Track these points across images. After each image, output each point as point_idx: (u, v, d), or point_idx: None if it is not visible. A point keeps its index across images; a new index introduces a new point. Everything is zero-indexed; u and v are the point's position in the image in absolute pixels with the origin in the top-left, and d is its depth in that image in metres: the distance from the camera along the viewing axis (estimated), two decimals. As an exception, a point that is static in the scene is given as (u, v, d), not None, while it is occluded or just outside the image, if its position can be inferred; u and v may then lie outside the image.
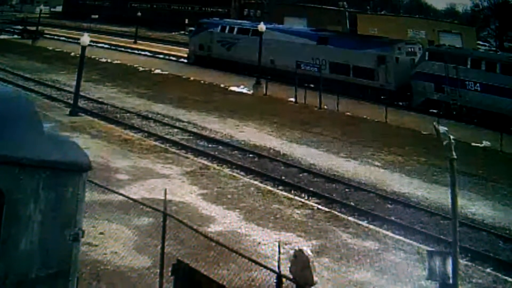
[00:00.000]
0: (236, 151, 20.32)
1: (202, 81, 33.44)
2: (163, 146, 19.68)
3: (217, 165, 18.11)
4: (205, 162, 18.11)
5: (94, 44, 39.97)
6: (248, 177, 17.25)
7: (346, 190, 16.99)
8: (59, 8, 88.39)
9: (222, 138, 22.02)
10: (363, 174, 18.41)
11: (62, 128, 20.09)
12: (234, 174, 17.15)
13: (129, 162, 16.99)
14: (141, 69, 36.96)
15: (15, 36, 52.36)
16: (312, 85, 29.18)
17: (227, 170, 17.56)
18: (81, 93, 25.28)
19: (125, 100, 28.22)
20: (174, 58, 42.75)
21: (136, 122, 23.78)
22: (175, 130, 22.86)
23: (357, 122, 25.11)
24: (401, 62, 30.18)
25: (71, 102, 24.05)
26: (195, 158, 18.53)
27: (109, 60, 39.62)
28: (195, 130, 23.02)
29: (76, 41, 52.28)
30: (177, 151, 19.18)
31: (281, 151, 20.55)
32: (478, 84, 26.77)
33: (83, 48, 23.00)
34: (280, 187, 16.66)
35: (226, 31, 37.80)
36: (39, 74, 34.41)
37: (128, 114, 25.09)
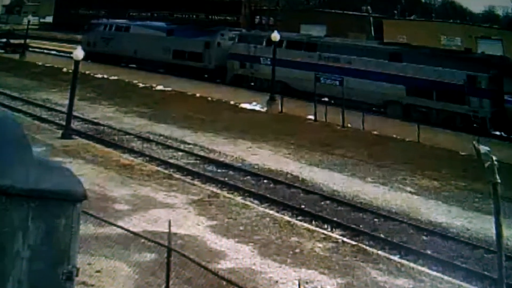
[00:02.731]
0: (248, 177, 20.34)
1: (209, 98, 33.61)
2: (166, 171, 19.75)
3: (228, 193, 18.11)
4: (214, 190, 18.12)
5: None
6: (262, 206, 17.23)
7: (375, 220, 16.93)
8: (49, 19, 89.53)
9: (233, 161, 22.05)
10: (393, 202, 18.33)
11: (54, 152, 20.20)
12: (247, 202, 17.12)
13: (129, 190, 17.03)
14: (141, 85, 37.25)
15: (0, 50, 53.10)
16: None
17: (238, 198, 17.56)
18: (75, 113, 25.46)
19: (123, 120, 28.41)
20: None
21: (136, 145, 23.93)
22: (180, 153, 22.96)
23: (386, 142, 25.08)
24: (223, 46, 39.37)
25: (64, 123, 24.24)
26: (203, 185, 18.55)
27: (105, 76, 39.96)
28: (202, 153, 23.10)
29: (68, 55, 52.94)
30: (182, 177, 19.24)
31: (300, 176, 20.53)
32: (268, 59, 34.11)
33: (77, 63, 23.24)
34: (300, 217, 16.63)
35: (107, 29, 48.31)
36: (28, 92, 34.78)
37: (127, 136, 25.26)
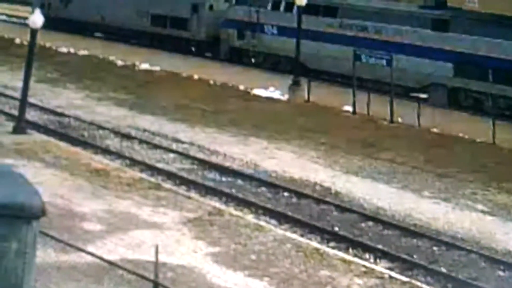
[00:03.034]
0: (263, 188, 20.29)
1: (211, 81, 33.68)
2: (153, 180, 19.74)
3: (235, 209, 18.06)
4: (217, 205, 18.07)
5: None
6: (282, 227, 17.16)
7: (434, 248, 16.82)
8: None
9: (242, 167, 22.02)
10: (459, 224, 18.22)
11: (3, 152, 20.31)
12: (261, 223, 17.08)
13: (102, 205, 17.04)
14: (120, 63, 37.36)
15: None
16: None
17: (250, 217, 17.52)
18: (31, 100, 25.51)
19: (96, 109, 28.48)
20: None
21: (112, 144, 23.89)
22: (171, 155, 22.94)
23: (449, 143, 24.97)
24: (216, 10, 39.34)
25: (16, 113, 24.28)
26: (202, 199, 18.51)
27: (72, 50, 40.08)
28: (201, 155, 23.07)
29: (23, 21, 53.11)
30: (174, 188, 19.21)
31: (333, 188, 20.47)
32: (275, 27, 35.63)
33: (34, 32, 23.31)
34: (332, 244, 16.57)
35: None
36: (-33, 72, 34.89)
37: (100, 132, 25.26)
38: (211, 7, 39.82)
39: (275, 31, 36.31)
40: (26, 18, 48.06)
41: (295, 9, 34.17)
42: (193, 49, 40.48)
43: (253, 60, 37.71)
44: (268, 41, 36.75)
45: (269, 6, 36.99)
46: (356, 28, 33.74)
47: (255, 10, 37.08)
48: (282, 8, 36.65)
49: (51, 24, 43.19)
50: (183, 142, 24.45)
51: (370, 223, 18.11)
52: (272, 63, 36.85)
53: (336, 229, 17.64)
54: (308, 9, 33.48)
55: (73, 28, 45.26)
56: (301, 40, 32.09)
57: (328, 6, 35.02)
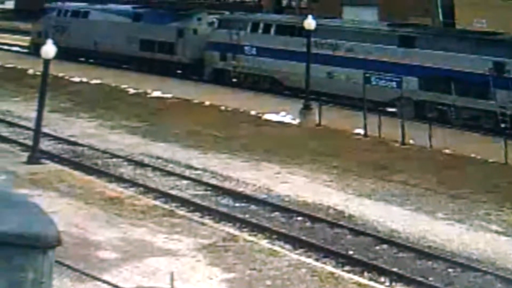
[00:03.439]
0: (277, 213, 20.30)
1: (222, 107, 33.74)
2: (167, 206, 19.78)
3: (249, 235, 18.08)
4: (231, 231, 18.10)
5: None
6: (296, 252, 17.15)
7: (449, 270, 16.76)
8: (9, 4, 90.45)
9: (256, 192, 22.04)
10: (474, 245, 18.15)
11: (17, 182, 20.34)
12: (276, 248, 17.07)
13: (117, 233, 17.08)
14: (131, 91, 37.48)
15: None
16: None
17: (264, 242, 17.50)
18: (45, 130, 25.66)
19: (109, 138, 28.59)
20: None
21: (126, 172, 23.99)
22: (185, 182, 22.99)
23: (461, 164, 24.90)
24: (200, 34, 41.18)
25: (30, 143, 24.41)
26: (216, 225, 18.55)
27: (84, 80, 40.27)
28: (214, 181, 23.11)
29: (25, 50, 53.46)
30: (188, 214, 19.25)
31: (346, 212, 20.45)
32: (254, 48, 37.55)
33: (46, 62, 23.44)
34: (347, 268, 16.54)
35: (61, 15, 49.98)
36: (-19, 103, 35.08)
37: (114, 160, 25.36)
38: (195, 31, 41.57)
39: (254, 52, 38.01)
40: (27, 47, 51.79)
41: (272, 31, 37.72)
42: (179, 71, 42.26)
43: (234, 80, 39.30)
44: (247, 62, 38.40)
45: (249, 28, 38.68)
46: (330, 47, 34.99)
47: (236, 32, 38.70)
48: (260, 30, 38.48)
49: None
50: (196, 169, 24.49)
51: (385, 246, 18.08)
52: (252, 82, 38.59)
53: (351, 252, 17.61)
54: (284, 30, 37.12)
55: (69, 55, 45.78)
56: (278, 60, 36.04)
57: (302, 26, 34.94)
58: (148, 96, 36.53)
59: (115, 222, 17.90)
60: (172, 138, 28.49)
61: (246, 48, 38.46)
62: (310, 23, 32.01)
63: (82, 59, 47.47)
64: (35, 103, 24.53)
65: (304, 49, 33.76)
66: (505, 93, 29.11)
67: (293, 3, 64.37)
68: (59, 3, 54.00)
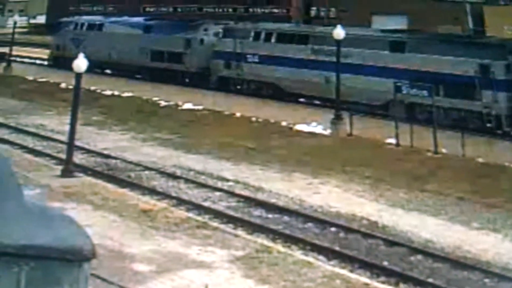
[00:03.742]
0: (310, 224, 20.22)
1: (253, 118, 33.76)
2: (200, 218, 19.79)
3: (283, 246, 17.99)
4: (265, 242, 18.04)
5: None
6: (330, 263, 17.07)
7: (485, 280, 16.61)
8: (41, 19, 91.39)
9: (288, 203, 21.98)
10: (510, 255, 17.91)
11: (52, 196, 20.46)
12: (310, 259, 17.00)
13: (151, 245, 17.10)
14: (163, 103, 37.64)
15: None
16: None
17: (298, 254, 17.44)
18: (78, 143, 25.81)
19: (141, 150, 28.72)
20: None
21: (159, 184, 24.05)
22: (217, 194, 22.99)
23: (496, 173, 24.66)
24: (206, 43, 42.92)
25: (64, 157, 24.57)
26: (249, 236, 18.51)
27: (116, 93, 40.52)
28: (246, 193, 23.09)
29: (45, 62, 54.02)
30: (222, 226, 19.23)
31: (380, 222, 20.33)
32: (256, 56, 39.37)
33: (78, 76, 23.60)
34: (381, 278, 16.44)
35: (78, 28, 52.61)
36: (16, 116, 35.45)
37: (147, 172, 25.44)
38: (202, 41, 43.41)
39: (256, 60, 39.68)
40: (47, 59, 54.40)
41: (273, 39, 39.70)
42: (187, 80, 43.85)
43: (238, 87, 40.94)
44: (250, 69, 40.03)
45: (251, 37, 40.47)
46: (326, 54, 36.06)
47: (239, 41, 40.39)
48: (262, 38, 40.30)
49: (67, 64, 47.08)
50: (228, 180, 24.49)
51: (419, 256, 17.91)
52: (254, 89, 40.13)
53: (385, 263, 17.49)
54: (284, 38, 39.21)
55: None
56: (279, 67, 38.06)
57: (300, 34, 39.04)
58: (180, 108, 36.67)
59: (149, 234, 17.93)
60: (204, 149, 28.54)
61: (248, 56, 40.09)
62: (339, 33, 31.89)
63: (98, 70, 48.27)
64: (68, 116, 24.70)
65: (303, 56, 37.09)
66: (490, 93, 30.34)
67: (322, 13, 64.39)
68: (76, 17, 56.92)
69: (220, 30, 42.87)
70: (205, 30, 44.08)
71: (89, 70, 46.13)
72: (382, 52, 34.69)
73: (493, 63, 30.69)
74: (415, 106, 32.15)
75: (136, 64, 46.36)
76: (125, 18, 53.19)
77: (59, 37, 53.12)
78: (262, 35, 40.28)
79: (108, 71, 49.08)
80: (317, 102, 37.20)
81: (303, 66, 36.90)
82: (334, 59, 34.28)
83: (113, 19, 52.91)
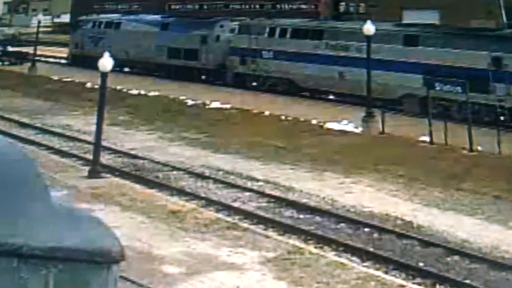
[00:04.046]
0: (342, 224, 20.17)
1: (282, 116, 33.71)
2: (229, 219, 19.78)
3: (315, 247, 17.95)
4: (296, 243, 17.99)
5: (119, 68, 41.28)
6: (364, 264, 17.00)
7: (526, 281, 16.46)
8: (65, 18, 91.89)
9: (320, 203, 21.93)
10: (550, 255, 17.76)
11: (79, 197, 20.57)
12: (343, 260, 16.92)
13: (181, 247, 17.10)
14: (190, 102, 37.71)
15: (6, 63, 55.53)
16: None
17: (331, 255, 17.38)
18: (104, 144, 25.94)
19: (169, 150, 28.81)
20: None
21: (187, 184, 24.11)
22: (247, 194, 23.00)
23: (533, 171, 24.43)
24: (223, 40, 44.01)
25: (90, 157, 24.70)
26: (280, 237, 18.46)
27: (142, 92, 40.67)
28: (277, 192, 23.06)
29: (63, 61, 54.52)
30: (252, 227, 19.21)
31: (414, 222, 20.20)
32: (271, 52, 40.41)
33: (104, 75, 23.70)
34: (417, 280, 16.34)
35: (96, 26, 54.42)
36: (42, 117, 35.74)
37: (175, 173, 25.51)
38: (217, 38, 44.67)
39: (271, 55, 40.76)
40: (66, 58, 56.34)
41: (288, 35, 40.57)
42: (203, 77, 45.34)
43: (254, 84, 41.99)
44: (265, 65, 41.17)
45: (266, 33, 41.55)
46: (340, 49, 37.56)
47: (255, 37, 41.52)
48: (277, 34, 41.34)
49: (85, 61, 49.58)
50: (258, 180, 24.48)
51: (456, 257, 17.77)
52: (270, 85, 41.20)
53: (421, 264, 17.37)
54: (298, 34, 40.10)
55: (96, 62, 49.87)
56: (293, 62, 39.05)
57: (315, 29, 39.92)
58: (207, 107, 36.72)
59: (178, 236, 17.93)
60: (232, 149, 28.56)
61: (264, 52, 41.20)
62: (369, 28, 31.81)
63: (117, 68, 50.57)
64: (94, 116, 24.83)
65: (317, 51, 38.20)
66: (504, 86, 30.82)
67: (351, 9, 64.22)
68: (94, 15, 58.79)
69: (236, 27, 43.92)
70: (221, 26, 45.24)
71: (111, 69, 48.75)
72: (396, 46, 35.38)
73: (506, 56, 31.15)
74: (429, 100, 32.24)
75: (153, 62, 47.48)
76: (142, 16, 54.47)
77: (77, 36, 54.69)
78: (277, 31, 41.34)
79: (126, 69, 49.96)
80: (331, 97, 38.89)
81: (317, 61, 37.90)
82: (348, 54, 36.89)
83: (130, 17, 54.28)
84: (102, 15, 58.05)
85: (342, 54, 37.23)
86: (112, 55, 52.54)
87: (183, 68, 45.49)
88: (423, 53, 34.18)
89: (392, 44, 35.46)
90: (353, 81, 35.42)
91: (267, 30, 41.66)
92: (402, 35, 35.69)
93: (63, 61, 57.21)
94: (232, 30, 44.28)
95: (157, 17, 52.70)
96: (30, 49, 55.12)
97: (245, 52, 41.86)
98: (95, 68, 48.42)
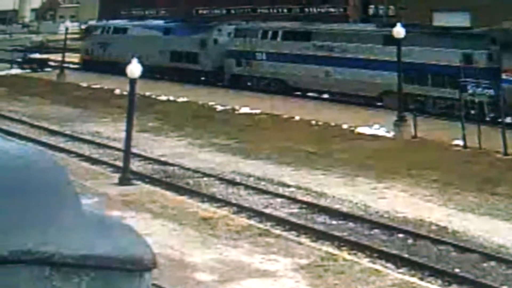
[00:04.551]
0: (376, 230, 20.09)
1: (313, 121, 33.69)
2: (261, 226, 19.76)
3: (349, 254, 17.91)
4: (329, 250, 17.95)
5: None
6: (399, 271, 16.91)
7: None
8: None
9: (352, 209, 21.87)
10: None
11: (110, 204, 20.63)
12: (377, 266, 16.84)
13: (213, 254, 17.10)
14: (219, 108, 37.78)
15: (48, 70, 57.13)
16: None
17: (365, 261, 17.32)
18: (134, 150, 26.05)
19: (199, 157, 28.88)
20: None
21: (218, 191, 24.15)
22: (279, 200, 22.97)
23: None
24: (220, 43, 46.60)
25: (120, 164, 24.80)
26: (313, 244, 18.43)
27: (171, 98, 40.83)
28: (308, 198, 23.02)
29: (76, 66, 54.95)
30: (284, 233, 19.17)
31: (449, 227, 20.08)
32: (264, 54, 43.10)
33: (132, 82, 23.79)
34: (454, 286, 16.29)
35: (105, 32, 57.52)
36: (71, 124, 35.97)
37: (205, 179, 25.57)
38: (215, 41, 47.25)
39: (264, 57, 43.42)
40: (78, 63, 58.21)
41: (279, 37, 43.17)
42: (202, 78, 47.66)
43: (249, 84, 44.54)
44: (258, 66, 43.82)
45: (259, 36, 44.10)
46: (326, 49, 40.08)
47: (249, 40, 44.36)
48: (269, 36, 43.79)
49: (95, 66, 53.58)
50: (289, 186, 24.45)
51: (492, 263, 17.64)
52: (264, 85, 43.54)
53: (457, 270, 17.25)
54: (288, 36, 42.65)
55: (110, 68, 51.71)
56: (283, 63, 41.69)
57: (303, 31, 42.36)
58: (237, 112, 36.77)
59: (210, 243, 17.93)
60: (263, 155, 28.56)
61: (257, 54, 43.82)
62: (399, 31, 31.75)
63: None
64: (124, 123, 24.94)
65: (305, 52, 40.72)
66: (474, 82, 31.92)
67: (381, 11, 64.06)
68: (104, 21, 62.33)
69: (232, 31, 46.56)
70: (219, 30, 47.85)
71: (118, 73, 48.41)
72: (376, 46, 37.75)
73: (475, 53, 33.12)
74: (406, 96, 34.31)
75: (157, 65, 48.32)
76: (148, 21, 57.97)
77: (88, 42, 57.24)
78: (269, 34, 43.88)
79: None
80: (313, 94, 41.52)
81: (305, 61, 40.46)
82: (332, 54, 39.66)
83: (136, 22, 57.32)
84: (110, 21, 61.08)
85: (328, 54, 39.69)
86: (120, 60, 50.82)
87: (184, 70, 47.74)
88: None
89: (373, 44, 37.95)
90: (337, 79, 38.72)
91: (260, 33, 44.26)
92: (382, 35, 37.46)
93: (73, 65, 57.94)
94: (229, 34, 46.76)
95: (160, 22, 55.60)
96: (57, 56, 55.68)
97: (241, 54, 44.50)
98: (104, 72, 50.39)
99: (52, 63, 59.74)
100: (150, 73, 49.31)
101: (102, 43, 56.47)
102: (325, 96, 40.85)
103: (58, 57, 56.26)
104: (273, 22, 48.44)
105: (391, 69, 34.68)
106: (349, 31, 40.43)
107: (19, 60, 61.50)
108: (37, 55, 64.29)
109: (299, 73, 40.88)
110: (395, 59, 34.37)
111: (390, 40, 36.03)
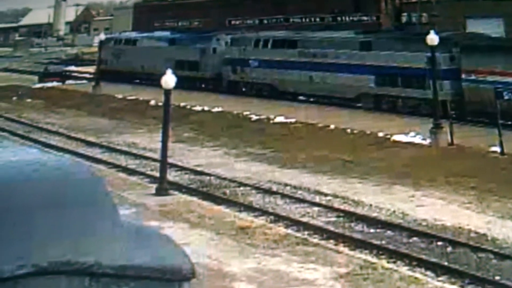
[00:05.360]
0: (414, 238, 19.91)
1: (348, 130, 33.53)
2: (299, 235, 19.64)
3: (388, 262, 17.75)
4: (368, 258, 17.80)
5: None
6: (439, 279, 16.73)
7: None
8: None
9: (390, 217, 21.70)
10: None
11: (148, 214, 20.67)
12: (417, 275, 16.67)
13: (251, 263, 17.02)
14: (254, 117, 37.75)
15: (83, 82, 59.44)
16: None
17: (404, 269, 17.15)
18: (170, 161, 26.07)
19: (235, 166, 28.88)
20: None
21: (255, 200, 24.09)
22: (316, 209, 22.88)
23: None
24: (219, 52, 50.04)
25: (157, 175, 24.83)
26: (351, 252, 18.29)
27: (206, 108, 40.89)
28: (345, 207, 22.92)
29: (156, 83, 55.19)
30: (322, 242, 19.07)
31: (489, 234, 19.83)
32: (256, 61, 46.40)
33: (167, 93, 23.81)
34: (496, 295, 16.06)
35: (117, 44, 61.90)
36: (107, 135, 36.17)
37: (242, 189, 25.53)
38: (214, 50, 50.61)
39: (256, 64, 46.38)
40: (93, 73, 59.90)
41: (269, 45, 46.17)
42: (203, 85, 50.76)
43: (244, 89, 47.66)
44: (252, 73, 46.80)
45: (252, 44, 47.26)
46: (310, 56, 42.89)
47: (243, 48, 47.56)
48: (260, 45, 46.74)
49: (110, 75, 55.91)
50: (326, 195, 24.34)
51: (533, 270, 17.38)
52: (257, 90, 46.54)
53: (497, 278, 17.01)
54: (277, 44, 45.75)
55: (122, 78, 56.79)
56: (273, 69, 44.80)
57: (290, 40, 45.64)
58: (271, 121, 36.73)
59: (248, 252, 17.85)
60: (299, 164, 28.48)
61: (250, 61, 46.84)
62: (432, 38, 31.48)
63: (136, 80, 57.87)
64: (159, 134, 25.04)
65: (291, 59, 43.76)
66: (437, 82, 32.49)
67: (414, 19, 63.77)
68: (117, 33, 66.48)
69: (228, 40, 49.89)
70: (217, 40, 51.08)
71: (127, 81, 54.62)
72: (354, 51, 40.46)
73: (438, 56, 33.78)
74: (380, 97, 38.82)
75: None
76: (155, 32, 62.42)
77: (104, 53, 58.38)
78: (261, 42, 46.94)
79: (138, 81, 56.82)
80: (302, 98, 44.71)
81: (292, 67, 43.59)
82: (317, 60, 42.37)
83: (145, 34, 61.75)
84: (123, 34, 65.96)
85: (311, 60, 42.61)
86: (130, 69, 56.98)
87: (187, 78, 48.29)
88: (375, 57, 39.25)
89: (350, 49, 40.66)
90: (320, 83, 41.73)
91: (253, 42, 47.40)
92: (359, 41, 40.82)
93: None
94: (226, 43, 50.09)
95: (166, 33, 59.80)
96: (91, 69, 56.47)
97: (236, 62, 47.82)
98: (116, 81, 54.06)
99: (87, 75, 60.76)
100: (158, 81, 52.73)
101: (115, 54, 59.88)
102: (359, 104, 41.47)
103: (90, 69, 57.32)
104: (264, 32, 52.35)
105: (366, 73, 38.94)
106: (328, 38, 43.20)
107: (40, 74, 62.76)
108: (55, 67, 66.80)
109: (286, 78, 44.02)
110: (371, 63, 39.12)
111: (366, 45, 40.24)
